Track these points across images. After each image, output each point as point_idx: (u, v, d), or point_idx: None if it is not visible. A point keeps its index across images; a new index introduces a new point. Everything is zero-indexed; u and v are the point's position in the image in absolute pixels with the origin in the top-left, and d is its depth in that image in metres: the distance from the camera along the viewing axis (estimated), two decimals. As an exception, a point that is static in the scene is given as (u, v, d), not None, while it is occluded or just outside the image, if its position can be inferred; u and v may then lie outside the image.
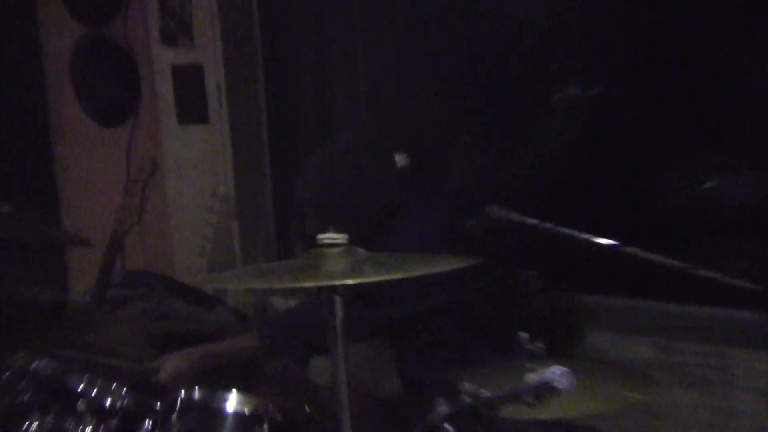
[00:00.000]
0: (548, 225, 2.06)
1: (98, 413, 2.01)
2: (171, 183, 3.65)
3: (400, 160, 2.65)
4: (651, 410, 2.57)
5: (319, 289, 1.69)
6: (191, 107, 3.56)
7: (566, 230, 2.04)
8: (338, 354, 1.67)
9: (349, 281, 1.60)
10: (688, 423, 2.53)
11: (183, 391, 1.92)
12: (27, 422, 2.04)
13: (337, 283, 1.61)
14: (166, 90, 3.60)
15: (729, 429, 2.03)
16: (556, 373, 1.12)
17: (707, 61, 2.62)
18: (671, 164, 2.76)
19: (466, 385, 1.41)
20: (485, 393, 1.32)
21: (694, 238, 2.65)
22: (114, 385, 2.10)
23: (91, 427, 2.00)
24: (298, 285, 1.88)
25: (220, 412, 1.88)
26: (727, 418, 2.01)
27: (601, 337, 2.63)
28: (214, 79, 3.47)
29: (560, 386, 1.12)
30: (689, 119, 2.71)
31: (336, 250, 1.71)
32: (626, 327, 2.67)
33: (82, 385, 2.08)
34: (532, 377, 1.19)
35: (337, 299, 1.66)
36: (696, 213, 2.68)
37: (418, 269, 1.67)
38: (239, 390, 1.89)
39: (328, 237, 1.71)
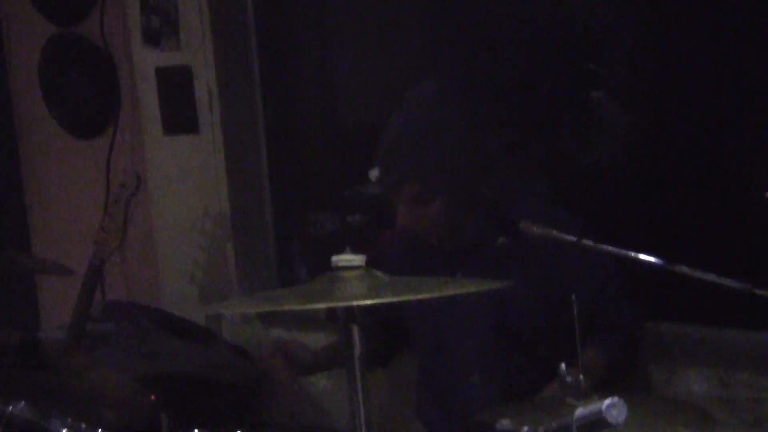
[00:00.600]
0: (588, 242, 2.10)
1: (85, 461, 2.06)
2: (156, 201, 3.69)
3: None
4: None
5: (334, 314, 1.74)
6: (178, 115, 3.61)
7: (609, 248, 2.09)
8: (358, 389, 1.72)
9: (367, 301, 1.65)
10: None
11: (181, 435, 1.97)
12: (4, 473, 2.08)
13: (353, 303, 1.66)
14: (149, 96, 3.65)
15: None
16: (606, 404, 1.17)
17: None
18: (726, 174, 2.82)
19: (505, 423, 1.46)
20: (527, 430, 1.37)
21: (754, 255, 2.70)
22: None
23: (77, 477, 2.05)
24: (310, 307, 1.93)
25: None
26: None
27: (650, 368, 2.67)
28: (204, 83, 3.52)
29: (612, 420, 1.17)
30: (738, 124, 2.77)
31: (353, 273, 1.76)
32: (678, 357, 2.71)
33: (64, 431, 2.14)
34: (580, 411, 1.24)
35: (356, 328, 1.71)
36: (754, 227, 2.73)
37: (437, 290, 1.74)
38: (247, 428, 1.94)
39: (344, 259, 1.76)
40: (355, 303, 1.65)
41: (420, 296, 1.78)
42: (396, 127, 2.48)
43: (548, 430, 1.32)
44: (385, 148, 2.48)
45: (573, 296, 1.94)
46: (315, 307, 1.80)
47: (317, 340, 3.37)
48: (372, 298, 1.69)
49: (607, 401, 1.17)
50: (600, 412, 1.18)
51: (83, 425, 2.16)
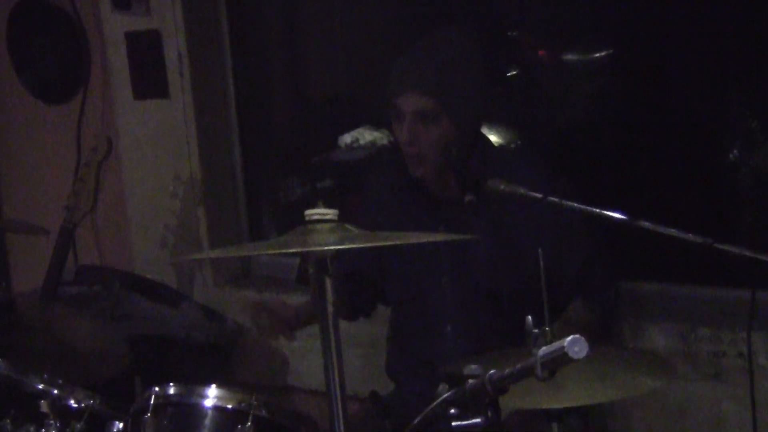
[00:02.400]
0: (554, 199, 2.16)
1: (62, 415, 2.10)
2: (127, 166, 3.71)
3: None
4: (669, 402, 2.69)
5: (305, 273, 1.78)
6: (149, 80, 3.62)
7: (573, 204, 2.14)
8: (331, 342, 1.76)
9: (338, 247, 1.70)
10: (709, 416, 2.65)
11: (157, 388, 2.02)
12: (-18, 428, 2.13)
13: (325, 248, 1.70)
14: (119, 61, 3.66)
15: (752, 423, 2.14)
16: (568, 341, 1.23)
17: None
18: (688, 130, 2.89)
19: (473, 367, 1.51)
20: (493, 372, 1.43)
21: (714, 211, 2.78)
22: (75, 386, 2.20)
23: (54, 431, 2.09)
24: (281, 251, 1.97)
25: (199, 407, 1.98)
26: (750, 412, 2.12)
27: (615, 324, 2.74)
28: (174, 47, 3.53)
29: (574, 355, 1.22)
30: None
31: (325, 226, 1.80)
32: (641, 312, 2.78)
33: (41, 386, 2.18)
34: (543, 349, 1.30)
35: (328, 281, 1.75)
36: (716, 183, 2.80)
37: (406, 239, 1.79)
38: (219, 384, 1.99)
39: (317, 212, 1.80)
40: (326, 248, 1.69)
41: (389, 242, 1.80)
42: (423, 47, 2.55)
43: (514, 371, 1.38)
44: (407, 60, 2.53)
45: (539, 252, 1.99)
46: (286, 251, 1.83)
47: (290, 302, 3.43)
48: (343, 245, 1.73)
49: (569, 338, 1.23)
50: (562, 348, 1.23)
51: (59, 380, 2.20)
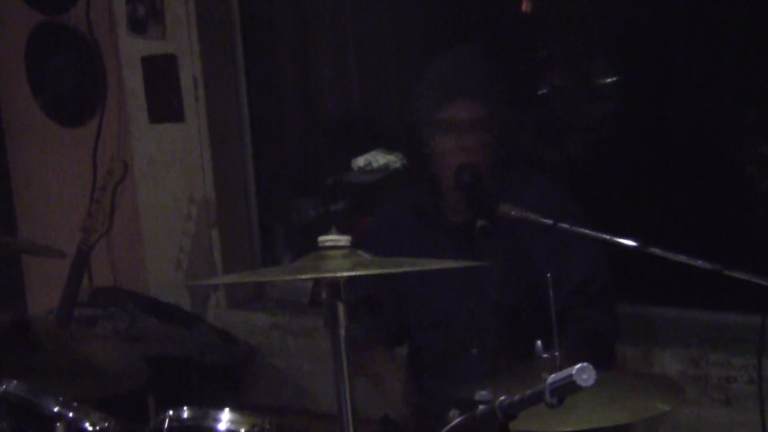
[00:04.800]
0: (564, 225, 2.18)
1: (78, 437, 2.12)
2: (142, 188, 3.75)
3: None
4: (680, 427, 2.69)
5: (318, 297, 1.80)
6: (164, 103, 3.66)
7: (584, 230, 2.17)
8: (344, 368, 1.78)
9: (351, 273, 1.71)
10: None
11: (171, 411, 2.04)
12: (-1, 449, 2.15)
13: (338, 275, 1.72)
14: (135, 84, 3.70)
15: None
16: (577, 369, 1.25)
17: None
18: (699, 158, 2.91)
19: (483, 393, 1.53)
20: (504, 398, 1.44)
21: (725, 238, 2.79)
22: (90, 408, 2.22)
23: (70, 453, 2.11)
24: (294, 278, 1.99)
25: (213, 431, 1.99)
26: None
27: (626, 349, 2.75)
28: (190, 71, 3.57)
29: (582, 383, 1.24)
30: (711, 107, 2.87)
31: (338, 252, 1.82)
32: (652, 337, 2.80)
33: (56, 408, 2.20)
34: (552, 377, 1.32)
35: (340, 306, 1.77)
36: (726, 210, 2.82)
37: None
38: (233, 408, 2.01)
39: (330, 238, 1.82)
40: (339, 274, 1.71)
41: (402, 269, 1.80)
42: (459, 57, 2.58)
43: (523, 398, 1.40)
44: (449, 69, 2.55)
45: (548, 276, 2.02)
46: (300, 277, 1.85)
47: (302, 325, 3.46)
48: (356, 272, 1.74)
49: (577, 366, 1.25)
50: (571, 376, 1.25)
51: (75, 403, 2.22)
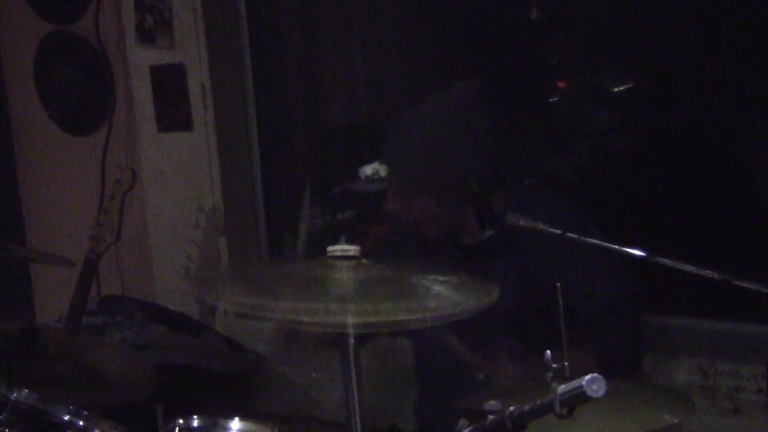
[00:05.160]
0: (572, 235, 2.18)
1: (87, 446, 2.13)
2: (151, 197, 3.76)
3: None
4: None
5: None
6: (172, 113, 3.67)
7: (593, 240, 2.17)
8: (352, 375, 1.78)
9: (358, 321, 1.70)
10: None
11: (180, 420, 2.04)
12: (10, 458, 2.15)
13: (347, 326, 1.71)
14: (143, 94, 3.72)
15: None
16: (587, 380, 1.25)
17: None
18: (706, 166, 2.91)
19: (492, 404, 1.54)
20: (513, 409, 1.45)
21: (734, 247, 2.79)
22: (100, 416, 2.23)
23: (79, 462, 2.12)
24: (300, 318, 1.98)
25: (223, 441, 2.00)
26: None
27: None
28: (198, 80, 3.59)
29: (592, 393, 1.25)
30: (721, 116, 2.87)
31: (347, 263, 1.82)
32: (660, 347, 2.79)
33: (67, 417, 2.21)
34: (562, 387, 1.32)
35: (351, 338, 1.77)
36: (734, 219, 2.82)
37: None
38: (242, 416, 2.01)
39: (339, 249, 1.83)
40: (349, 324, 1.70)
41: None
42: (407, 121, 2.55)
43: (533, 408, 1.40)
44: (393, 133, 2.56)
45: (557, 286, 2.02)
46: (305, 321, 1.83)
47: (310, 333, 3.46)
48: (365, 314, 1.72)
49: (588, 377, 1.26)
50: (581, 386, 1.26)
51: (85, 412, 2.23)
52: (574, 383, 1.28)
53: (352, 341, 1.75)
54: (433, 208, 2.50)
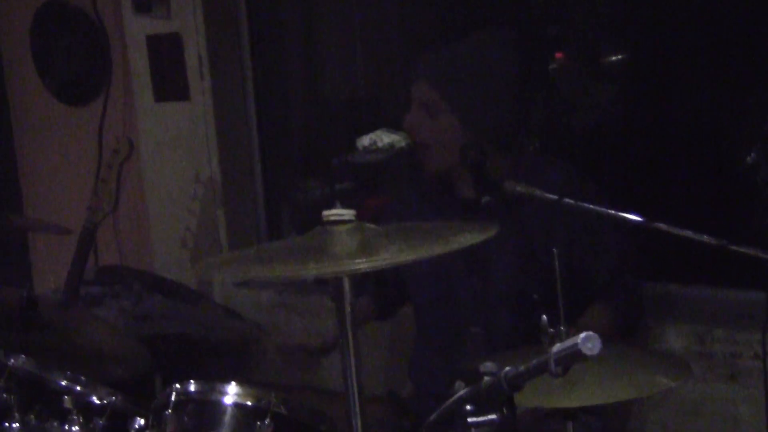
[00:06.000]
0: (569, 200, 2.18)
1: (85, 411, 2.14)
2: (148, 167, 3.76)
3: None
4: (685, 402, 2.70)
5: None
6: (169, 82, 3.66)
7: (589, 206, 2.17)
8: (348, 341, 1.78)
9: (359, 266, 1.71)
10: (724, 416, 2.67)
11: (177, 385, 2.05)
12: (7, 422, 2.17)
13: (344, 269, 1.71)
14: (140, 63, 3.71)
15: (767, 424, 2.16)
16: (582, 338, 1.25)
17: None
18: (705, 133, 2.91)
19: (488, 365, 1.53)
20: (509, 369, 1.45)
21: (730, 215, 2.79)
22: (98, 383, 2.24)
23: (77, 427, 2.13)
24: (301, 273, 1.99)
25: (219, 404, 2.01)
26: (765, 413, 2.14)
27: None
28: (195, 50, 3.57)
29: (587, 351, 1.25)
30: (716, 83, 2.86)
31: (343, 227, 1.82)
32: (657, 314, 2.80)
33: (64, 382, 2.22)
34: (557, 346, 1.32)
35: (346, 282, 1.77)
36: (732, 187, 2.81)
37: (432, 248, 1.79)
38: (239, 381, 2.02)
39: (335, 213, 1.82)
40: (343, 269, 1.70)
41: (415, 255, 1.79)
42: (447, 43, 2.56)
43: (529, 368, 1.40)
44: (427, 51, 2.55)
45: (554, 251, 2.02)
46: (304, 275, 1.85)
47: (307, 303, 3.47)
48: (364, 256, 1.73)
49: (582, 335, 1.26)
50: (576, 345, 1.26)
51: (82, 377, 2.24)
52: (569, 342, 1.28)
53: (347, 286, 1.74)
54: (452, 131, 2.48)
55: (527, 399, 1.62)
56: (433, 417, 1.58)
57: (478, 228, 1.81)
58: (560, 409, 1.98)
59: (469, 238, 1.77)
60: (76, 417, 2.14)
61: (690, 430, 2.73)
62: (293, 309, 3.50)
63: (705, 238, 2.03)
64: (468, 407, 1.53)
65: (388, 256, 1.74)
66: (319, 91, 3.90)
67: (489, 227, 1.80)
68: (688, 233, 2.05)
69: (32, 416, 2.19)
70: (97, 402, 2.18)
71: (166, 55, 3.65)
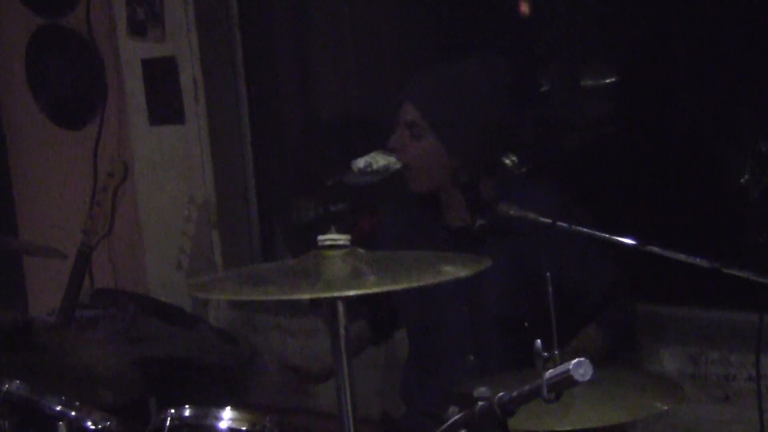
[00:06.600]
0: (563, 224, 2.19)
1: (80, 436, 2.14)
2: (143, 190, 3.76)
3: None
4: (678, 425, 2.70)
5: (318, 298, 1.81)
6: (164, 105, 3.67)
7: (583, 229, 2.17)
8: (344, 367, 1.79)
9: (352, 292, 1.71)
10: (719, 439, 2.67)
11: (172, 410, 2.05)
12: (2, 448, 2.16)
13: (338, 294, 1.72)
14: (135, 87, 3.72)
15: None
16: (574, 364, 1.26)
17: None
18: (698, 156, 2.92)
19: (482, 390, 1.54)
20: (502, 395, 1.46)
21: (723, 236, 2.80)
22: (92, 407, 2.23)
23: (72, 452, 2.13)
24: (294, 296, 1.99)
25: (214, 429, 2.01)
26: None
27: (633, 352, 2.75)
28: (190, 73, 3.59)
29: (579, 378, 1.26)
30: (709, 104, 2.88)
31: (338, 252, 1.82)
32: (650, 335, 2.80)
33: (59, 407, 2.22)
34: (550, 372, 1.33)
35: (341, 305, 1.78)
36: (725, 208, 2.83)
37: (424, 278, 1.79)
38: (234, 406, 2.02)
39: (329, 238, 1.83)
40: (337, 294, 1.70)
41: (403, 285, 1.80)
42: (435, 65, 2.59)
43: (521, 393, 1.41)
44: (419, 73, 2.57)
45: (548, 275, 2.02)
46: (298, 296, 1.85)
47: (302, 326, 3.47)
48: (356, 287, 1.74)
49: (574, 361, 1.27)
50: (568, 371, 1.27)
51: (77, 402, 2.24)
52: (561, 368, 1.29)
53: (341, 309, 1.75)
54: (436, 154, 2.48)
55: (521, 422, 1.63)
56: (427, 442, 1.59)
57: (470, 259, 1.81)
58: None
59: (461, 270, 1.77)
60: (70, 442, 2.14)
61: (684, 452, 2.73)
62: (288, 331, 3.50)
63: (698, 261, 2.04)
64: (462, 432, 1.54)
65: (381, 283, 1.75)
66: (314, 114, 3.91)
67: (481, 259, 1.80)
68: (681, 256, 2.06)
69: (27, 441, 2.19)
70: (92, 427, 2.18)
71: (160, 79, 3.66)
